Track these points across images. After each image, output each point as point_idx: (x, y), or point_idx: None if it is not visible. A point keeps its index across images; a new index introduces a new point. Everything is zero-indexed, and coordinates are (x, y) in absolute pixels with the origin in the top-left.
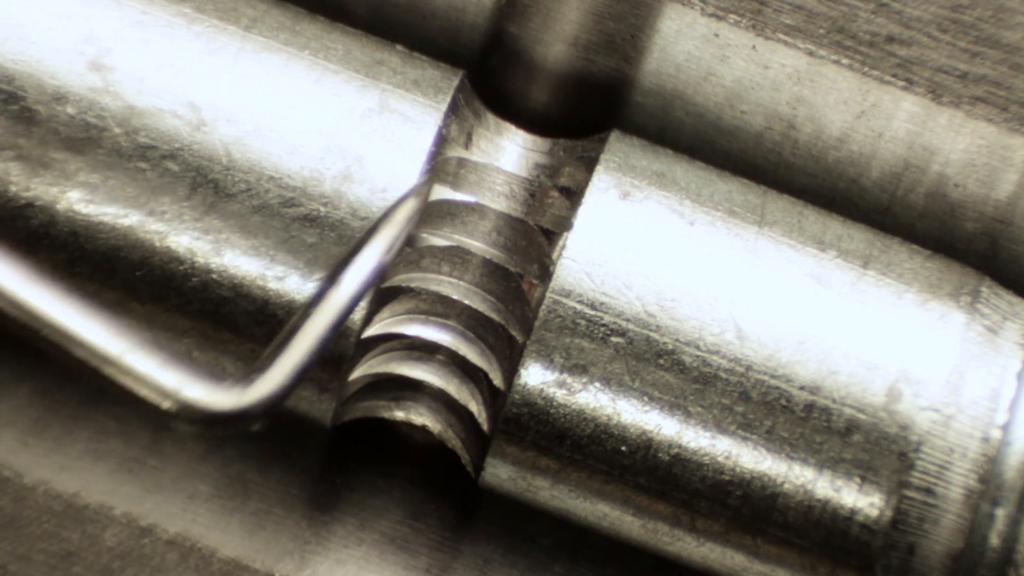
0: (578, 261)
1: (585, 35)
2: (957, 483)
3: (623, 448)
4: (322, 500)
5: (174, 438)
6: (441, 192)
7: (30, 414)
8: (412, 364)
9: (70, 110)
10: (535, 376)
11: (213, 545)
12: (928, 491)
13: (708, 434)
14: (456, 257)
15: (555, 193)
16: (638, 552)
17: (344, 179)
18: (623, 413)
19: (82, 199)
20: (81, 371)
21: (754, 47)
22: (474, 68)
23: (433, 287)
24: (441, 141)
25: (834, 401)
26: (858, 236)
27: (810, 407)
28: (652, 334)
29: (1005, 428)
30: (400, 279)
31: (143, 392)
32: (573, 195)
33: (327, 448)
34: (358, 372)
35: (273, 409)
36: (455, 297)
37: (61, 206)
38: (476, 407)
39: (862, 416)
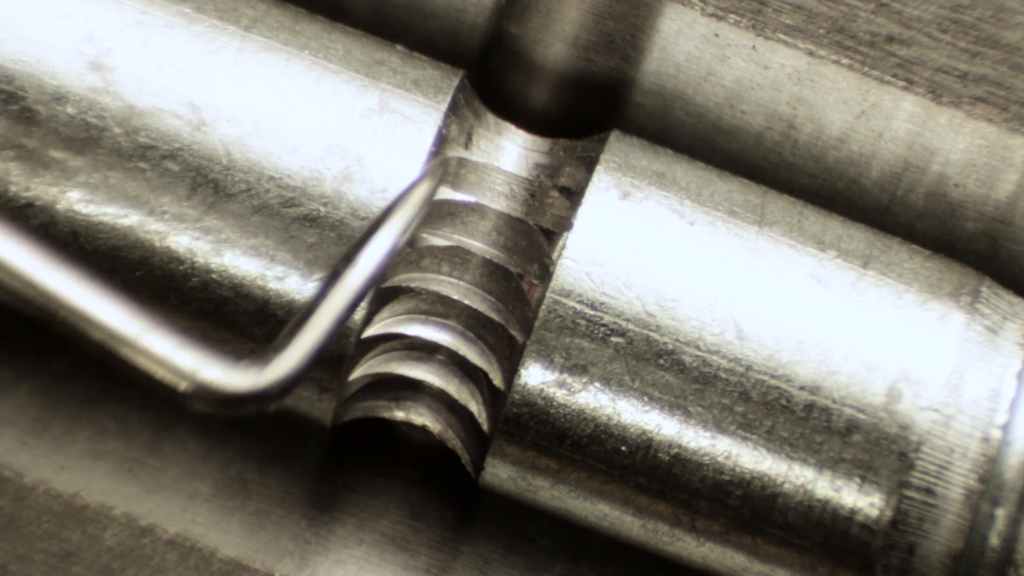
0: (578, 261)
1: (585, 35)
2: (957, 483)
3: (623, 448)
4: (322, 500)
5: (174, 438)
6: (441, 192)
7: (30, 414)
8: (412, 364)
9: (70, 110)
10: (535, 376)
11: (213, 545)
12: (928, 491)
13: (708, 434)
14: (456, 257)
15: (555, 193)
16: (638, 552)
17: (344, 179)
18: (623, 413)
19: (82, 199)
20: (98, 352)
21: (754, 47)
22: (474, 68)
23: (433, 287)
24: (441, 141)
25: (834, 401)
26: (858, 236)
27: (810, 407)
28: (652, 334)
29: (1005, 428)
30: (400, 279)
31: (160, 373)
32: (573, 195)
33: (327, 448)
34: (358, 372)
35: (290, 389)
36: (455, 297)
37: (61, 206)
38: (476, 407)
39: (862, 416)
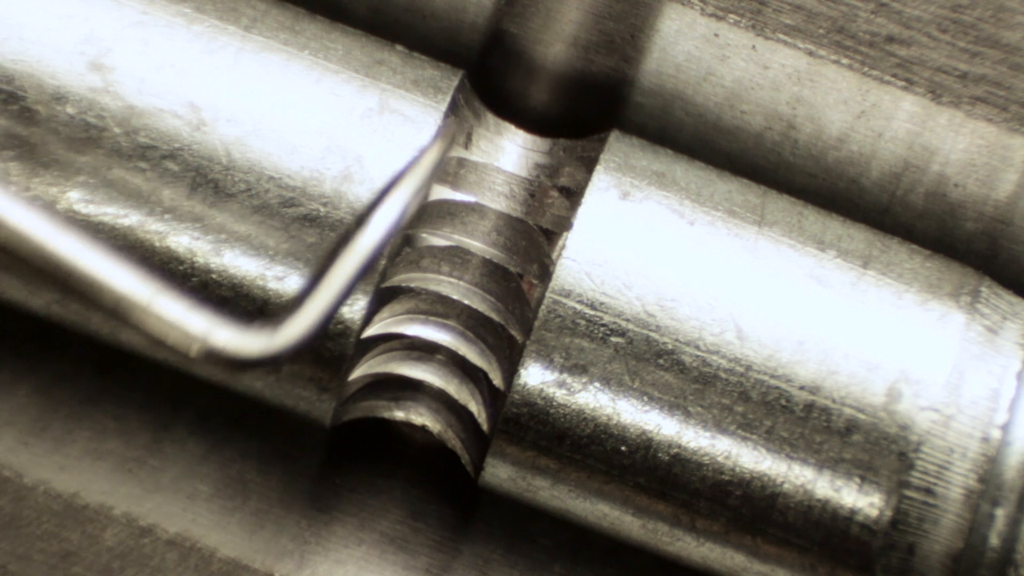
0: (578, 261)
1: (585, 35)
2: (957, 483)
3: (623, 448)
4: (322, 500)
5: (174, 438)
6: (441, 192)
7: (30, 414)
8: (412, 364)
9: (70, 110)
10: (535, 376)
11: (213, 545)
12: (928, 491)
13: (708, 434)
14: (456, 257)
15: (555, 193)
16: (638, 552)
17: (344, 179)
18: (623, 413)
19: (82, 199)
20: (111, 313)
21: (754, 47)
22: (474, 68)
23: (433, 287)
24: None
25: (834, 401)
26: (858, 236)
27: (810, 407)
28: (652, 334)
29: (1005, 428)
30: (400, 279)
31: (171, 337)
32: (573, 195)
33: (327, 448)
34: (358, 372)
35: (301, 352)
36: (455, 297)
37: (61, 206)
38: (476, 407)
39: (862, 416)
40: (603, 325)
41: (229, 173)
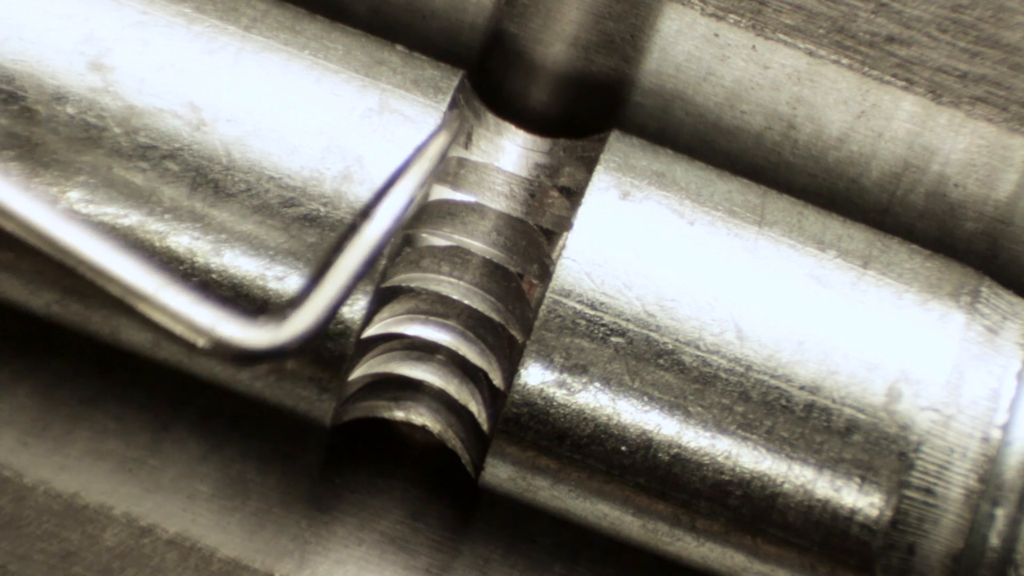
0: (578, 261)
1: (585, 35)
2: (957, 483)
3: (623, 448)
4: (322, 500)
5: (174, 438)
6: (441, 192)
7: (30, 414)
8: (412, 364)
9: (70, 110)
10: (535, 376)
11: (213, 545)
12: (928, 491)
13: (708, 434)
14: (456, 257)
15: (555, 193)
16: (638, 552)
17: (344, 179)
18: (623, 413)
19: (82, 199)
20: (118, 304)
21: (754, 47)
22: (474, 68)
23: (433, 287)
24: None
25: (834, 401)
26: (858, 236)
27: (810, 407)
28: (652, 334)
29: (1005, 428)
30: (400, 279)
31: (177, 329)
32: (573, 195)
33: (327, 448)
34: (358, 372)
35: (308, 345)
36: (455, 297)
37: (61, 206)
38: (476, 407)
39: (862, 416)
40: (603, 325)
41: (229, 173)
